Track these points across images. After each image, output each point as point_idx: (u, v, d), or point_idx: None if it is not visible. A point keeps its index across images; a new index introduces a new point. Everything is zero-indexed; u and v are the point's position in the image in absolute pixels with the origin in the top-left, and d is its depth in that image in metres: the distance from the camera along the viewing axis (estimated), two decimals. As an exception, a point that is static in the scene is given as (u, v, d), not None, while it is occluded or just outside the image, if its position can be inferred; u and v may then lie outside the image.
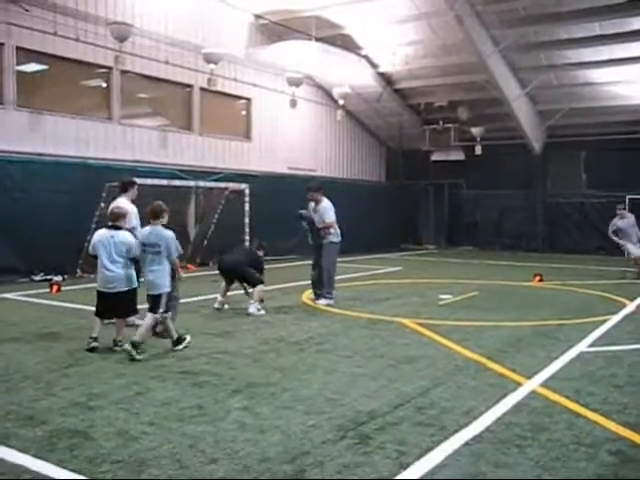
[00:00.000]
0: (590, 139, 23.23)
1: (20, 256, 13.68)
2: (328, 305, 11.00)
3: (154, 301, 7.42)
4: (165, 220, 7.65)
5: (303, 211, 11.48)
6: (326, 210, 11.15)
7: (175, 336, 7.52)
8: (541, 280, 14.50)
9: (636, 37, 18.71)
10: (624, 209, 16.59)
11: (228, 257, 10.87)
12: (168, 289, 7.51)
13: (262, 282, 10.33)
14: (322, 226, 11.12)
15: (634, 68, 20.09)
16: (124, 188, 9.05)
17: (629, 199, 22.81)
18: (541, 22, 19.00)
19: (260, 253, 10.79)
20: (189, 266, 16.24)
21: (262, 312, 10.12)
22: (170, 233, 7.54)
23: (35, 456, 4.30)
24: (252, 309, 10.10)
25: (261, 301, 10.28)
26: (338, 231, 11.40)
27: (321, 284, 11.32)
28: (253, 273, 10.32)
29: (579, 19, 18.43)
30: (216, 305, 10.46)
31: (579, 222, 24.29)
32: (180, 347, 7.47)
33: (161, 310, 7.39)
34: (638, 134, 22.10)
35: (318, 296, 11.38)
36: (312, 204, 11.33)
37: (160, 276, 7.44)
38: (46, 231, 13.81)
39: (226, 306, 10.51)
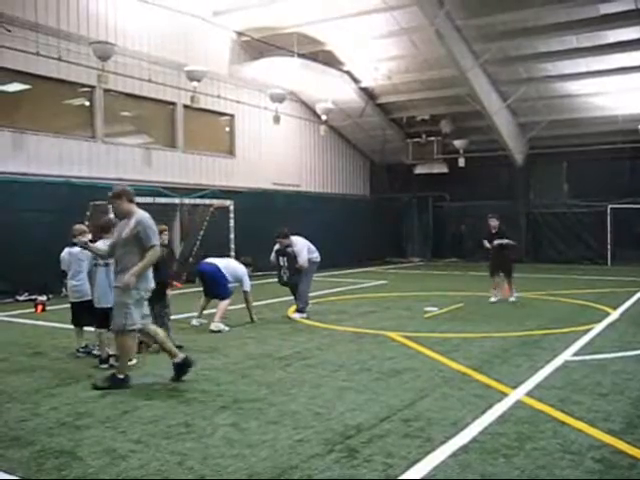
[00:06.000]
0: (571, 150, 23.55)
1: (4, 276, 13.61)
2: (302, 318, 11.21)
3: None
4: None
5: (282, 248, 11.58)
6: (299, 253, 11.36)
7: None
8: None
9: (612, 50, 19.05)
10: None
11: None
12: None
13: None
14: (298, 266, 11.36)
15: (611, 80, 20.43)
16: None
17: (610, 208, 23.13)
18: (520, 36, 19.28)
19: None
20: (176, 283, 16.19)
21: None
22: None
23: (23, 477, 4.28)
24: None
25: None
26: (316, 254, 11.69)
27: (298, 299, 11.58)
28: None
29: (556, 32, 18.76)
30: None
31: (562, 232, 24.52)
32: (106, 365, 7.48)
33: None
34: (617, 144, 22.39)
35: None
36: (278, 246, 11.62)
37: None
38: (30, 251, 13.75)
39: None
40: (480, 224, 25.20)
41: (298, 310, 11.48)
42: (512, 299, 13.35)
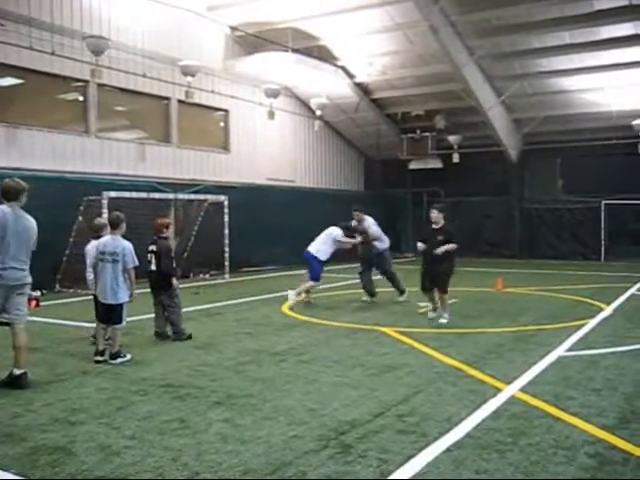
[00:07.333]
0: (565, 146, 23.55)
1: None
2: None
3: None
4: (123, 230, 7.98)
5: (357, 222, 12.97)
6: (369, 227, 12.86)
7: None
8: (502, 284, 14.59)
9: (605, 46, 19.08)
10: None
11: None
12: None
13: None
14: (370, 239, 12.82)
15: (605, 76, 20.45)
16: None
17: (604, 204, 23.19)
18: (514, 31, 19.27)
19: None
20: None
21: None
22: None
23: (16, 474, 4.27)
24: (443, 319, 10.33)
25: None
26: (385, 238, 13.22)
27: (398, 286, 13.06)
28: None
29: (550, 28, 18.76)
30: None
31: (556, 228, 24.58)
32: (117, 362, 7.51)
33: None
34: (611, 140, 22.42)
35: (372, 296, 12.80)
36: (354, 222, 12.99)
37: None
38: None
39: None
40: (473, 220, 25.57)
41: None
42: (442, 320, 10.21)
